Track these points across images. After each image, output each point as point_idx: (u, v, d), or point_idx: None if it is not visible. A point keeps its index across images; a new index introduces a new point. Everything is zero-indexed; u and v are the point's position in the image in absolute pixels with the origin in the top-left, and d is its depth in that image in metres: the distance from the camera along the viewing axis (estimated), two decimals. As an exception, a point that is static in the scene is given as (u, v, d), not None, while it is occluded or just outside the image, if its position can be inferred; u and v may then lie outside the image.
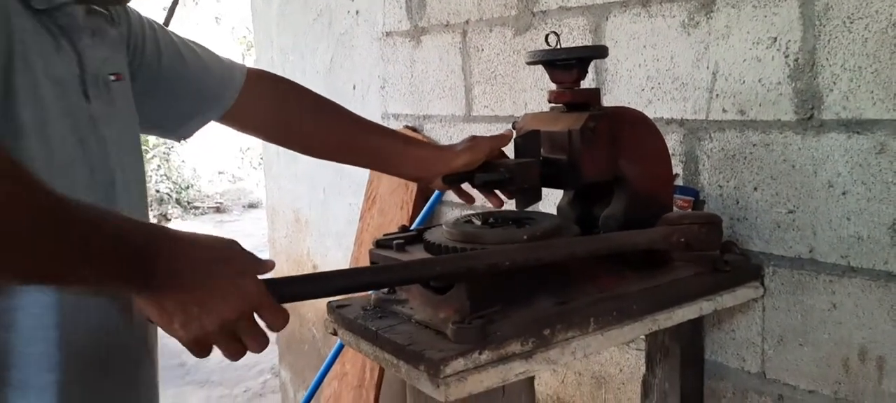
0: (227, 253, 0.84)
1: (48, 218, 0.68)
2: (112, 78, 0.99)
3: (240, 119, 1.25)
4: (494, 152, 1.31)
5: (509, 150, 1.34)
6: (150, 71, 1.13)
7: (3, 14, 0.79)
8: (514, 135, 1.32)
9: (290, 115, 1.29)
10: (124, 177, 0.99)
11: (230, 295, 0.80)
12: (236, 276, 0.82)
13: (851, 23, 1.26)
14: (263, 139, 1.39)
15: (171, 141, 1.24)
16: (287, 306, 0.90)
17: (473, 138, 1.32)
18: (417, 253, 1.24)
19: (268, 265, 0.90)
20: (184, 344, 0.80)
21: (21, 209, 0.65)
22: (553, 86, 1.35)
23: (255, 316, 0.85)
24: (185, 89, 1.18)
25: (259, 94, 1.25)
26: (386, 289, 1.23)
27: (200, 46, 1.23)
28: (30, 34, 0.84)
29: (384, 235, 1.31)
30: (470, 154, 1.28)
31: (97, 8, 0.99)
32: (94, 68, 0.95)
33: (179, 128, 1.23)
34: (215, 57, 1.24)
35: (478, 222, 1.27)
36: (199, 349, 0.81)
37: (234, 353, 0.85)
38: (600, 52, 1.37)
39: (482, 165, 1.32)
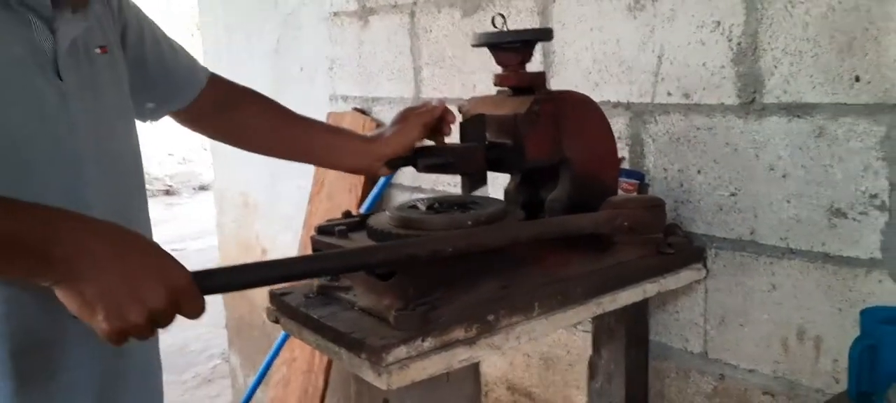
0: (147, 244, 0.82)
1: None
2: (97, 50, 1.00)
3: (193, 117, 1.29)
4: (424, 131, 1.29)
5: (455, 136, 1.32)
6: (133, 49, 1.15)
7: None
8: (460, 119, 1.30)
9: (237, 117, 1.33)
10: (99, 150, 0.99)
11: (156, 282, 0.77)
12: (159, 261, 0.79)
13: (792, 7, 1.28)
14: (209, 137, 1.40)
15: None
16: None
17: (404, 113, 1.30)
18: (361, 240, 1.22)
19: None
20: (103, 336, 0.77)
21: None
22: (500, 69, 1.33)
23: None
24: (160, 74, 1.20)
25: (213, 95, 1.29)
26: (329, 276, 1.21)
27: (169, 37, 1.26)
28: None
29: (327, 221, 1.28)
30: (398, 138, 1.26)
31: None
32: (72, 43, 0.94)
33: (146, 110, 1.24)
34: (184, 50, 1.28)
35: (422, 208, 1.25)
36: (119, 339, 0.77)
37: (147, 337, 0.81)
38: (545, 34, 1.36)
39: (427, 149, 1.30)
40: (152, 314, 0.77)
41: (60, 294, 0.76)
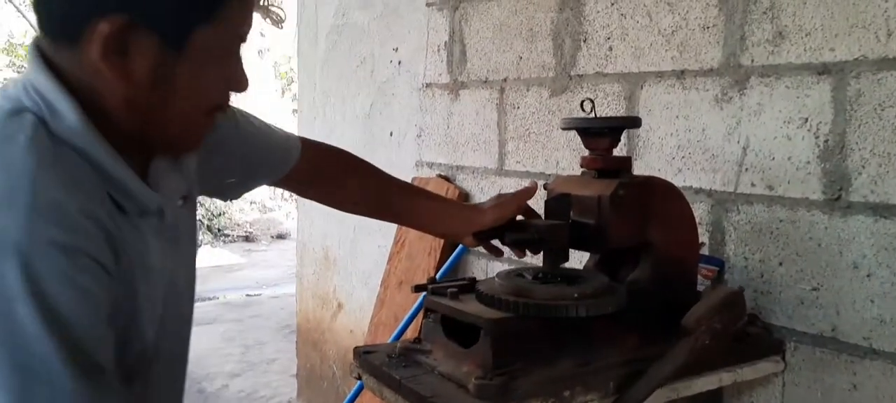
0: None
1: None
2: (180, 203, 0.96)
3: (287, 183, 1.30)
4: (520, 209, 1.34)
5: (537, 206, 1.37)
6: (220, 144, 1.10)
7: (115, 223, 0.79)
8: (547, 197, 1.36)
9: (330, 179, 1.36)
10: (173, 297, 0.96)
11: None
12: None
13: (882, 110, 1.29)
14: (303, 197, 1.46)
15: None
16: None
17: (500, 196, 1.35)
18: (470, 303, 1.25)
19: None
20: None
21: None
22: (584, 150, 1.39)
23: None
24: (251, 158, 1.19)
25: (306, 162, 1.29)
26: (413, 339, 1.27)
27: (256, 117, 1.24)
28: (137, 239, 0.84)
29: (435, 282, 1.34)
30: (497, 211, 1.31)
31: None
32: (170, 210, 0.92)
33: (230, 192, 1.25)
34: (274, 129, 1.26)
35: (528, 277, 1.29)
36: None
37: None
38: (634, 123, 1.41)
39: (514, 224, 1.35)
40: None
41: None
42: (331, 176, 1.37)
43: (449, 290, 1.26)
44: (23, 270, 0.68)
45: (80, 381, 0.68)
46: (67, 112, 0.76)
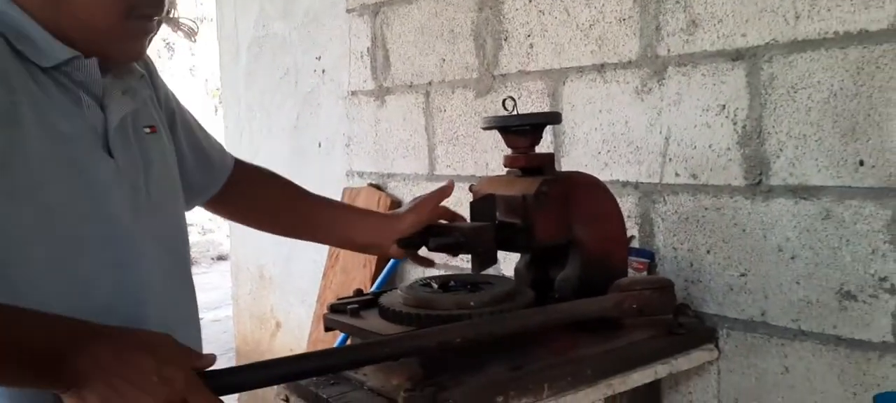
0: (151, 344, 0.82)
1: None
2: (146, 130, 1.02)
3: (216, 201, 1.28)
4: (436, 209, 1.30)
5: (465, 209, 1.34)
6: (177, 138, 1.16)
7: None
8: (472, 199, 1.33)
9: (257, 200, 1.33)
10: (150, 226, 0.99)
11: (151, 385, 0.78)
12: (160, 367, 0.79)
13: (795, 92, 1.31)
14: (230, 220, 1.42)
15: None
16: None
17: (416, 199, 1.31)
18: (372, 319, 1.23)
19: (206, 360, 0.87)
20: None
21: None
22: (510, 151, 1.36)
23: None
24: (196, 162, 1.20)
25: (236, 181, 1.29)
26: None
27: (200, 124, 1.26)
28: (36, 93, 0.86)
29: (338, 299, 1.30)
30: (412, 216, 1.28)
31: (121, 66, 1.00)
32: (122, 121, 0.96)
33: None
34: (211, 136, 1.27)
35: (436, 286, 1.27)
36: None
37: None
38: (554, 118, 1.40)
39: (438, 228, 1.32)
40: None
41: (67, 398, 0.78)
42: (254, 195, 1.33)
43: (349, 307, 1.24)
44: None
45: None
46: None
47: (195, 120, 1.24)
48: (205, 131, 1.26)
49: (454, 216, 1.32)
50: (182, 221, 1.11)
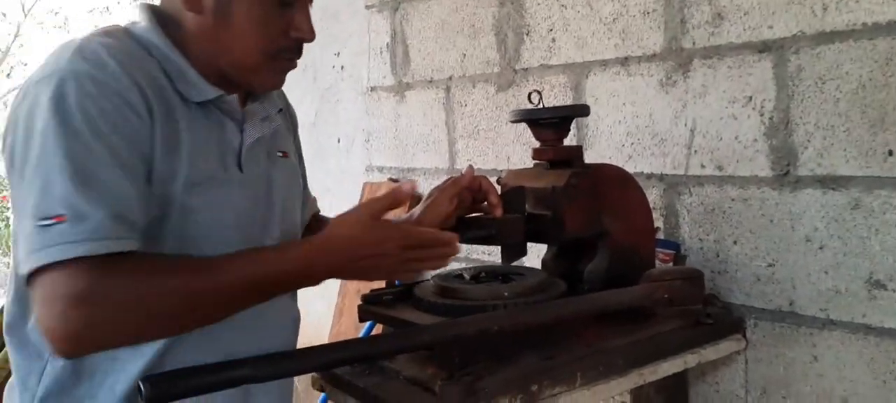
0: (367, 237, 0.98)
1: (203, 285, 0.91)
2: (279, 154, 1.16)
3: None
4: (455, 198, 1.24)
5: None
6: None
7: (168, 111, 0.97)
8: (501, 191, 1.34)
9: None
10: (269, 231, 1.12)
11: (378, 268, 1.00)
12: (377, 253, 0.98)
13: (823, 83, 1.31)
14: None
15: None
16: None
17: (431, 194, 1.26)
18: (406, 310, 1.25)
19: (404, 189, 1.03)
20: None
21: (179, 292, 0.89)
22: (535, 142, 1.38)
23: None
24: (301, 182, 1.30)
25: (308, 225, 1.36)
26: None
27: None
28: (192, 121, 1.00)
29: (372, 291, 1.32)
30: (431, 212, 1.22)
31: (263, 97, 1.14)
32: (255, 143, 1.09)
33: None
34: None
35: (467, 276, 1.28)
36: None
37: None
38: (582, 111, 1.40)
39: (470, 220, 1.32)
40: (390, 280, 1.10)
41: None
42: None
43: (384, 297, 1.26)
44: (54, 89, 0.87)
45: (75, 159, 0.86)
46: (142, 20, 1.02)
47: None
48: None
49: (477, 200, 1.27)
50: (297, 233, 1.22)
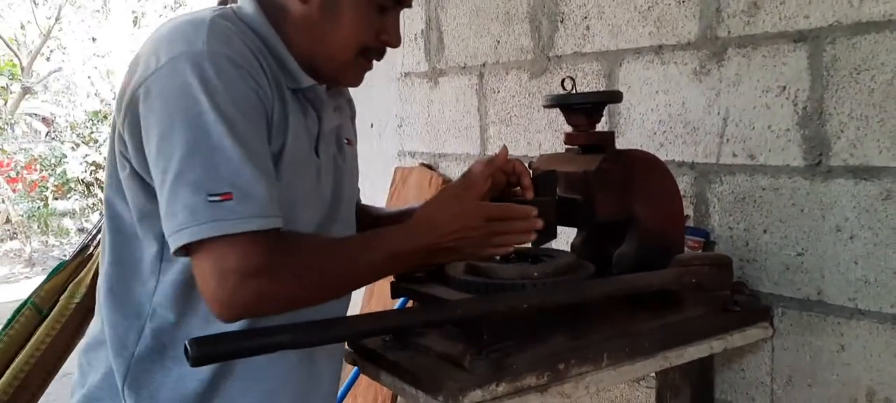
0: (448, 214, 1.07)
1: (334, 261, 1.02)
2: (346, 142, 1.23)
3: None
4: (488, 181, 1.22)
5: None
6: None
7: (281, 94, 1.04)
8: (532, 175, 1.36)
9: None
10: (337, 212, 1.18)
11: (464, 245, 1.07)
12: (461, 227, 1.06)
13: (858, 74, 1.31)
14: None
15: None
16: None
17: (467, 174, 1.25)
18: (437, 287, 1.27)
19: (499, 157, 1.19)
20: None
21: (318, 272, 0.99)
22: (567, 129, 1.40)
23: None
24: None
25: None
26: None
27: None
28: (291, 106, 1.07)
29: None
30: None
31: (334, 90, 1.20)
32: (329, 131, 1.15)
33: None
34: None
35: (498, 257, 1.31)
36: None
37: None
38: (615, 97, 1.42)
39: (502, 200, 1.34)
40: (487, 254, 1.13)
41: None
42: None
43: (416, 274, 1.29)
44: (199, 69, 0.92)
45: (234, 140, 0.91)
46: (248, 6, 1.05)
47: None
48: None
49: (510, 183, 1.29)
50: (353, 216, 1.27)
